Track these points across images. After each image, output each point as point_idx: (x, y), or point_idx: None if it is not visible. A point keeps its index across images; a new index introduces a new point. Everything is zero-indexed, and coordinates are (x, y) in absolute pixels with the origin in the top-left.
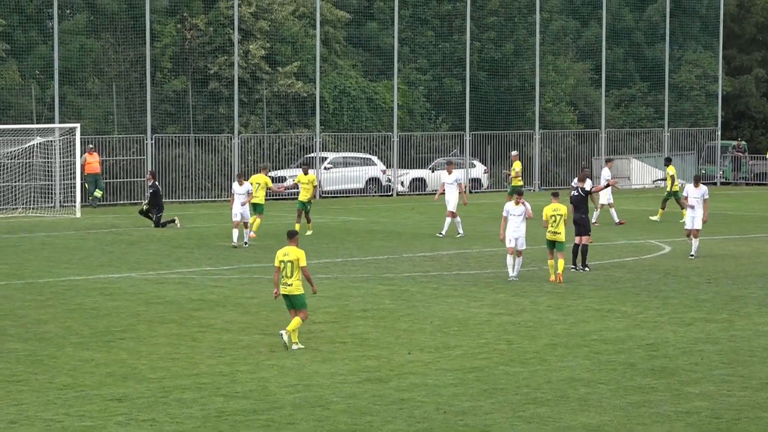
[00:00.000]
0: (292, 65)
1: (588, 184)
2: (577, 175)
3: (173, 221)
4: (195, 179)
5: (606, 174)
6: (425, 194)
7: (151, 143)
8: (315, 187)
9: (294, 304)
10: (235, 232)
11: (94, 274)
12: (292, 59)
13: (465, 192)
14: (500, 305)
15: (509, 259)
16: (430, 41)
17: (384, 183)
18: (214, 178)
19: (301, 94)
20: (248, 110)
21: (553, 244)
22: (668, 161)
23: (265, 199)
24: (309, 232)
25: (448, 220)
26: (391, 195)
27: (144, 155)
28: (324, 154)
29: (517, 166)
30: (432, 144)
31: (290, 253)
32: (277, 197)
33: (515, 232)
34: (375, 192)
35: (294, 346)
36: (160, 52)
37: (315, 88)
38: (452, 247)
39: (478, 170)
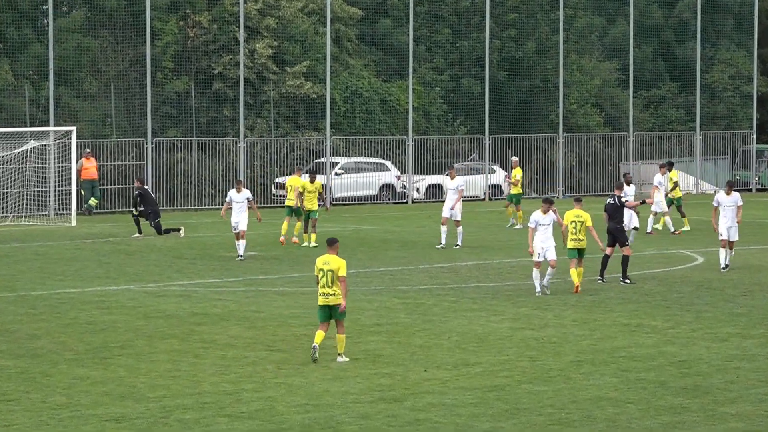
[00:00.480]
0: (300, 65)
1: (630, 191)
2: (615, 184)
3: (178, 230)
4: (198, 185)
5: (658, 179)
6: (443, 201)
7: (152, 147)
8: (321, 193)
9: (334, 315)
10: (240, 244)
11: (90, 287)
12: (300, 59)
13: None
14: (522, 319)
15: (535, 273)
16: (447, 39)
17: (398, 189)
18: (218, 184)
19: (311, 95)
20: (254, 113)
21: (576, 252)
22: (670, 165)
23: (268, 206)
24: (313, 243)
25: (460, 229)
26: (406, 202)
27: (144, 160)
28: (335, 159)
29: (517, 173)
30: (449, 148)
31: (330, 261)
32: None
33: (544, 243)
34: (389, 199)
35: (340, 359)
36: (161, 51)
37: (325, 89)
38: (471, 257)
39: (499, 176)
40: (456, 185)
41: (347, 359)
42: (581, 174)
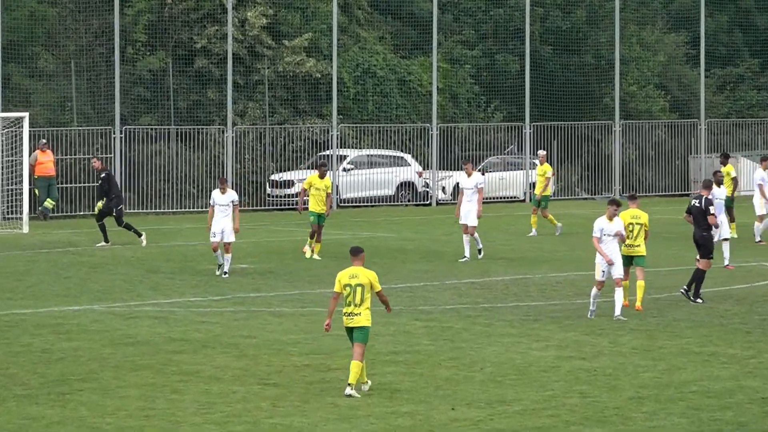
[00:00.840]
0: (301, 38)
1: (720, 192)
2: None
3: (140, 235)
4: (177, 183)
5: (759, 176)
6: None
7: (120, 137)
8: (329, 195)
9: (357, 335)
10: (226, 258)
11: (46, 307)
12: (301, 30)
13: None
14: (571, 347)
15: (594, 292)
16: (478, 7)
17: (420, 188)
18: (202, 182)
19: (314, 74)
20: (245, 95)
21: (629, 260)
22: (725, 158)
23: (262, 209)
24: (316, 255)
25: (470, 239)
26: (429, 204)
27: (111, 153)
28: (343, 152)
29: (546, 170)
30: (482, 138)
31: (359, 275)
32: (282, 207)
33: (611, 256)
34: (408, 200)
35: (365, 386)
36: (132, 21)
37: (331, 67)
38: (508, 271)
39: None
40: (474, 183)
41: (359, 392)
42: (642, 170)
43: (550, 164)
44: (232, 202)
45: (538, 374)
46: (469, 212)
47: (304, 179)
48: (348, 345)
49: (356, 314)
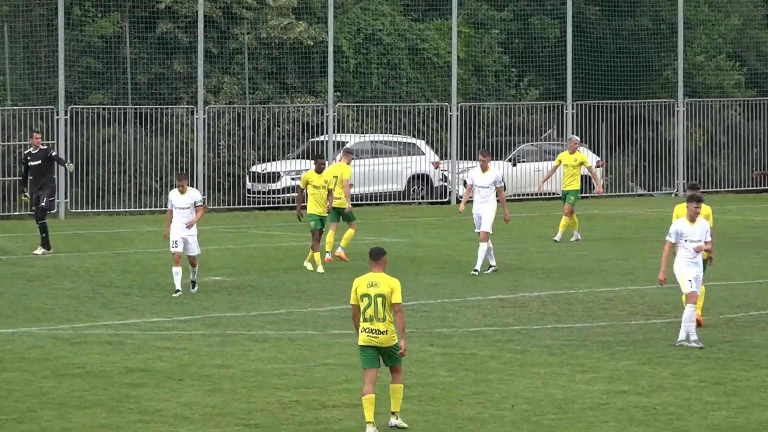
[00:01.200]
0: None
1: None
2: None
3: (44, 247)
4: (135, 177)
5: None
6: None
7: (66, 119)
8: (331, 191)
9: (388, 359)
10: (177, 274)
11: None
12: None
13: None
14: (623, 379)
15: (688, 312)
16: None
17: (436, 183)
18: (166, 175)
19: (305, 42)
20: (220, 68)
21: None
22: None
23: (241, 208)
24: (320, 269)
25: (483, 246)
26: (448, 202)
27: (54, 138)
28: (341, 137)
29: (581, 159)
30: (513, 121)
31: (379, 282)
32: (265, 205)
33: (693, 267)
34: (422, 197)
35: (394, 421)
36: None
37: (326, 32)
38: (546, 285)
39: (589, 161)
40: (492, 180)
41: (406, 425)
42: (711, 159)
43: (597, 153)
44: (195, 203)
45: (583, 413)
46: (483, 214)
47: (293, 172)
48: (347, 377)
49: (381, 332)
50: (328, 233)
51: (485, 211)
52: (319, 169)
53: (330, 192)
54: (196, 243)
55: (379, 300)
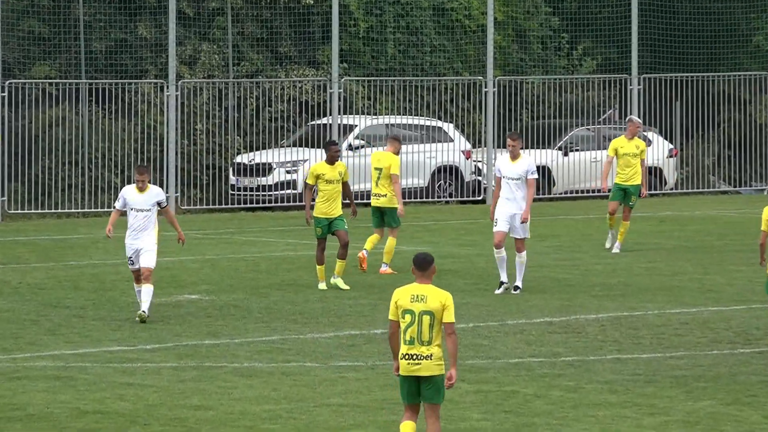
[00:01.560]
0: None
1: None
2: None
3: None
4: (90, 169)
5: None
6: (551, 198)
7: (3, 97)
8: (348, 186)
9: (426, 392)
10: (143, 291)
11: None
12: None
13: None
14: (703, 423)
15: None
16: None
17: (468, 177)
18: (128, 166)
19: (303, 0)
20: (196, 33)
21: None
22: None
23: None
24: (340, 281)
25: (522, 257)
26: (483, 201)
27: None
28: (348, 119)
29: (640, 147)
30: (564, 99)
31: (427, 296)
32: (253, 204)
33: None
34: (450, 194)
35: None
36: None
37: None
38: (604, 304)
39: (658, 150)
40: (523, 170)
41: None
42: None
43: (670, 140)
44: (158, 204)
45: None
46: (513, 215)
47: (288, 163)
48: (355, 421)
49: (424, 357)
50: (374, 239)
51: (516, 212)
52: (332, 159)
53: (347, 187)
54: (151, 251)
55: (426, 318)
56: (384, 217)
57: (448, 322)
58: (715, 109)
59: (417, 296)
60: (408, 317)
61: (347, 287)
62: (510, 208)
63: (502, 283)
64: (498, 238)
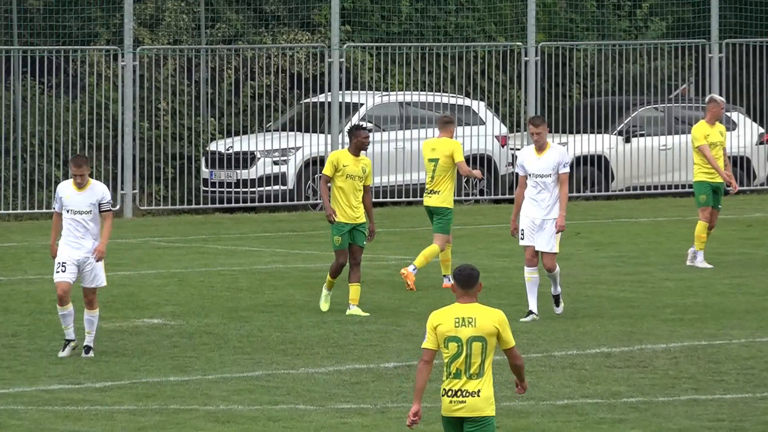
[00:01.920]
0: None
1: None
2: None
3: None
4: (24, 160)
5: None
6: (608, 197)
7: None
8: (369, 191)
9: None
10: (68, 316)
11: None
12: None
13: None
14: None
15: None
16: None
17: (504, 169)
18: (73, 155)
19: None
20: None
21: None
22: None
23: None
24: (358, 310)
25: (555, 275)
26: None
27: None
28: (353, 96)
29: (723, 131)
30: (626, 70)
31: (475, 319)
32: (231, 204)
33: None
34: (482, 191)
35: None
36: None
37: None
38: (678, 330)
39: (745, 136)
40: (554, 164)
41: None
42: None
43: (760, 123)
44: (99, 204)
45: None
46: (543, 222)
47: (276, 152)
48: None
49: (470, 393)
50: (434, 248)
51: (545, 219)
52: (359, 148)
53: (366, 194)
54: (100, 267)
55: (476, 346)
56: (433, 218)
57: (508, 348)
58: None
59: (463, 319)
60: (453, 346)
61: (366, 314)
62: (538, 213)
63: (530, 312)
64: (530, 253)
